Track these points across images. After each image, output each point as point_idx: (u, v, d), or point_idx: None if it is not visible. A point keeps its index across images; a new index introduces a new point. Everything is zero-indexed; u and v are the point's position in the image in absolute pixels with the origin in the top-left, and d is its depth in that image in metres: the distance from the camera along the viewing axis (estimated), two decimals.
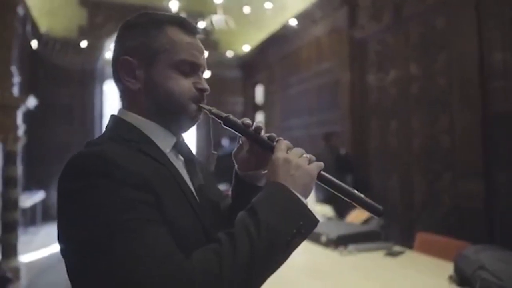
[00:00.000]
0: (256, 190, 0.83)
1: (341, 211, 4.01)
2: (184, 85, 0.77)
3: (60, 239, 0.64)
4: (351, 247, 2.14)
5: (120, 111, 0.81)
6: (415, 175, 4.13)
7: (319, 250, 2.22)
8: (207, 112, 0.79)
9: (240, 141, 0.83)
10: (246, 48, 7.60)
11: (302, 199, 0.69)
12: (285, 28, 6.29)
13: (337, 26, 5.48)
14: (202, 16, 5.21)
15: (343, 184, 0.74)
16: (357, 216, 3.43)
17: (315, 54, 6.17)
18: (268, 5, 4.88)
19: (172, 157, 0.79)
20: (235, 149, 0.84)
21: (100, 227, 0.59)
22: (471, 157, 3.40)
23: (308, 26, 6.10)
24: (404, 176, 4.28)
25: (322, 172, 0.74)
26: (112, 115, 0.81)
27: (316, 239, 2.29)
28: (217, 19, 4.90)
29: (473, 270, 1.50)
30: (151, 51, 0.76)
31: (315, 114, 6.10)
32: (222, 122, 0.78)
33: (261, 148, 0.78)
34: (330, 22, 5.69)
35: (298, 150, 0.74)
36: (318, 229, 2.52)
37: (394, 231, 3.98)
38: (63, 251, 0.64)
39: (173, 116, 0.78)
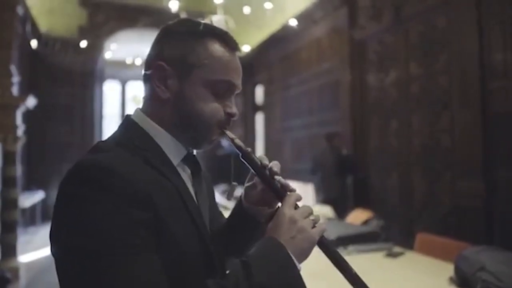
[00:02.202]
0: (255, 225, 0.83)
1: (341, 212, 4.01)
2: (214, 107, 0.74)
3: (52, 239, 0.64)
4: (351, 248, 2.13)
5: (137, 113, 0.78)
6: (415, 174, 4.13)
7: (318, 251, 2.21)
8: (229, 140, 0.77)
9: (255, 181, 0.81)
10: (246, 49, 7.57)
11: (297, 264, 0.68)
12: (285, 28, 6.28)
13: (337, 26, 5.48)
14: (202, 16, 5.20)
15: (340, 256, 0.74)
16: (357, 217, 3.42)
17: (315, 54, 6.17)
18: (268, 5, 4.87)
19: (179, 169, 0.77)
20: (248, 184, 0.83)
21: (89, 244, 0.58)
22: (471, 156, 3.40)
23: (308, 26, 6.10)
24: (404, 175, 4.28)
25: (323, 236, 0.73)
26: (127, 116, 0.79)
27: None
28: (217, 19, 4.90)
29: (473, 271, 1.50)
30: (188, 64, 0.73)
31: (315, 114, 6.09)
32: (240, 154, 0.77)
33: (270, 192, 0.77)
34: (330, 22, 5.69)
35: (305, 209, 0.73)
36: None
37: (394, 231, 3.98)
38: (52, 251, 0.64)
39: (195, 135, 0.76)
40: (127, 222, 0.60)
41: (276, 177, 0.76)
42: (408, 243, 2.54)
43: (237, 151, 0.77)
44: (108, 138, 0.75)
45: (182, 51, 0.74)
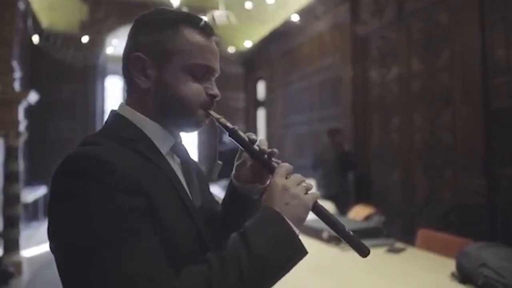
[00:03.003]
0: (249, 202, 0.84)
1: (342, 208, 4.02)
2: (195, 89, 0.75)
3: (49, 236, 0.64)
4: None
5: (121, 107, 0.79)
6: (416, 171, 4.12)
7: (320, 247, 2.22)
8: (215, 120, 0.78)
9: (244, 157, 0.82)
10: (248, 44, 7.56)
11: (295, 229, 0.69)
12: (287, 23, 6.26)
13: (339, 22, 5.45)
14: (203, 11, 5.19)
15: (335, 218, 0.74)
16: (358, 212, 3.43)
17: (317, 50, 6.15)
18: (270, 1, 4.85)
19: (169, 158, 0.78)
20: (238, 161, 0.84)
21: (87, 235, 0.58)
22: (472, 153, 3.39)
23: (310, 22, 6.07)
24: (405, 172, 4.28)
25: (317, 202, 0.74)
26: (112, 111, 0.79)
27: (318, 236, 2.29)
28: (219, 14, 4.89)
29: (475, 267, 1.50)
30: (165, 52, 0.74)
31: (317, 110, 6.09)
32: (227, 133, 0.78)
33: (261, 167, 0.78)
34: (332, 18, 5.66)
35: (297, 177, 0.74)
36: (320, 225, 2.51)
37: (395, 227, 3.98)
38: (51, 248, 0.64)
39: (179, 120, 0.77)
40: (121, 209, 0.60)
41: (262, 147, 0.77)
42: (409, 239, 2.54)
43: (224, 130, 0.78)
44: (95, 133, 0.76)
45: (159, 40, 0.75)
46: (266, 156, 0.77)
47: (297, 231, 0.69)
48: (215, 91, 0.78)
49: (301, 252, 0.69)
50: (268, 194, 0.72)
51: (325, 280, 1.72)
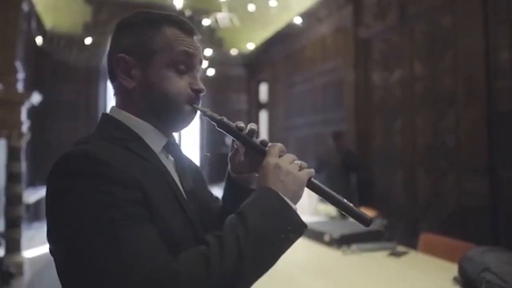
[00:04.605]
0: (249, 192, 0.84)
1: None
2: (180, 85, 0.76)
3: (49, 237, 0.64)
4: (354, 246, 2.12)
5: (112, 109, 0.80)
6: (419, 174, 4.11)
7: (322, 250, 2.21)
8: (202, 113, 0.79)
9: (235, 145, 0.83)
10: (251, 46, 7.58)
11: (291, 204, 0.69)
12: (290, 26, 6.27)
13: (342, 24, 5.45)
14: (206, 13, 5.21)
15: (332, 192, 0.74)
16: None
17: (319, 53, 6.15)
18: (273, 3, 4.85)
19: (162, 157, 0.78)
20: (231, 152, 0.84)
21: (86, 226, 0.59)
22: (476, 155, 3.38)
23: (312, 24, 6.08)
24: (408, 174, 4.26)
25: (312, 179, 0.74)
26: (103, 114, 0.80)
27: (319, 239, 2.28)
28: (222, 17, 4.90)
29: (478, 271, 1.49)
30: (148, 51, 0.75)
31: (319, 113, 6.08)
32: (215, 124, 0.78)
33: (253, 152, 0.79)
34: (335, 20, 5.66)
35: (289, 156, 0.74)
36: (321, 228, 2.50)
37: (398, 230, 3.97)
38: (51, 250, 0.64)
39: (168, 116, 0.77)
40: (116, 199, 0.61)
41: (251, 128, 0.77)
42: (412, 243, 2.53)
43: (211, 122, 0.79)
44: (88, 135, 0.77)
45: (141, 40, 0.76)
46: (256, 140, 0.77)
47: (293, 206, 0.69)
48: (200, 86, 0.79)
49: (300, 226, 0.68)
50: (262, 174, 0.72)
51: (326, 283, 1.71)
